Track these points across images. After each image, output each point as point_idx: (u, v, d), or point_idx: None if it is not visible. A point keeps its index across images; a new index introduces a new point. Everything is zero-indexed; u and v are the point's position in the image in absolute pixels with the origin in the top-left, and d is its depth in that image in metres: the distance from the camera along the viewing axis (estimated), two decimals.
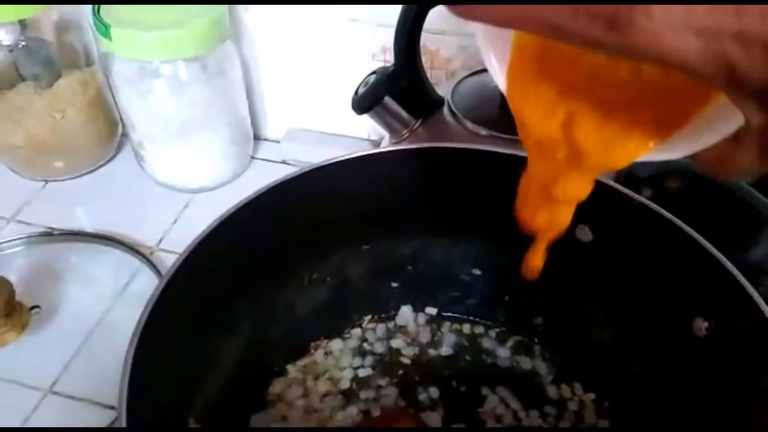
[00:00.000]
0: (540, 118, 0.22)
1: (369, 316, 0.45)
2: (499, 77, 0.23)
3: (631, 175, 0.35)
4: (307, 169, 0.36)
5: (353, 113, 0.48)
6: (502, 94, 0.46)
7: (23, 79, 0.59)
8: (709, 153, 0.19)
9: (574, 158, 0.22)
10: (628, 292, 0.36)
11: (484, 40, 0.22)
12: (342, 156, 0.36)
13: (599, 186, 0.34)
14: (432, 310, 0.46)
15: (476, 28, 0.21)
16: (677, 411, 0.34)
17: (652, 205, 0.33)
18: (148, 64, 0.54)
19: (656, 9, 0.14)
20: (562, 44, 0.17)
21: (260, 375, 0.41)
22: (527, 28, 0.16)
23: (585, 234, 0.36)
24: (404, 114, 0.45)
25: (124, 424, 0.26)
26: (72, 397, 0.46)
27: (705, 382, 0.32)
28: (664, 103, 0.20)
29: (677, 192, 0.35)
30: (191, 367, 0.34)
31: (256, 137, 0.67)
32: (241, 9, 0.60)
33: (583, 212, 0.36)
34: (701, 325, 0.31)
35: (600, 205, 0.34)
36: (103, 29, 0.52)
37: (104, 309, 0.52)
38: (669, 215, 0.32)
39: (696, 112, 0.19)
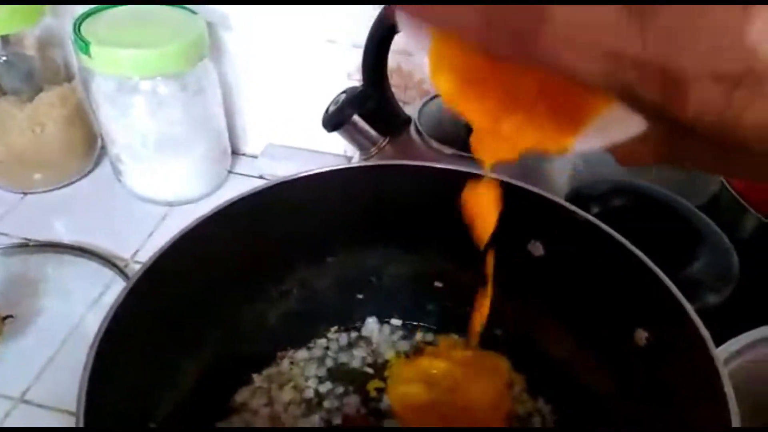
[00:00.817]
0: (471, 112, 0.23)
1: (335, 327, 0.47)
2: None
3: (580, 193, 0.37)
4: (273, 183, 0.37)
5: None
6: None
7: (4, 92, 0.60)
8: (621, 146, 0.20)
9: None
10: (577, 303, 0.37)
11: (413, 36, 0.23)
12: (306, 171, 0.38)
13: (549, 203, 0.36)
14: (396, 322, 0.47)
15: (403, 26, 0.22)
16: (623, 416, 0.35)
17: (597, 221, 0.34)
18: (127, 81, 0.56)
19: (558, 30, 0.15)
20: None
21: (226, 383, 0.42)
22: (440, 27, 0.17)
23: (537, 249, 0.38)
24: (372, 132, 0.47)
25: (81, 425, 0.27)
26: (42, 406, 0.47)
27: (647, 389, 0.33)
28: (570, 105, 0.20)
29: (623, 209, 0.37)
30: (155, 374, 0.35)
31: (234, 152, 0.69)
32: (221, 28, 0.62)
33: (535, 228, 0.38)
34: (642, 335, 0.33)
35: (550, 222, 0.37)
36: (84, 46, 0.53)
37: (78, 319, 0.53)
38: (612, 231, 0.34)
39: (596, 114, 0.20)
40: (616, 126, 0.20)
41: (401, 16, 0.19)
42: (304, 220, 0.39)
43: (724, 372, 0.28)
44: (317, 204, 0.39)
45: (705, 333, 0.29)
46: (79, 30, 0.54)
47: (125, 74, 0.55)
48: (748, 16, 0.13)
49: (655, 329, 0.32)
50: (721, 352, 0.30)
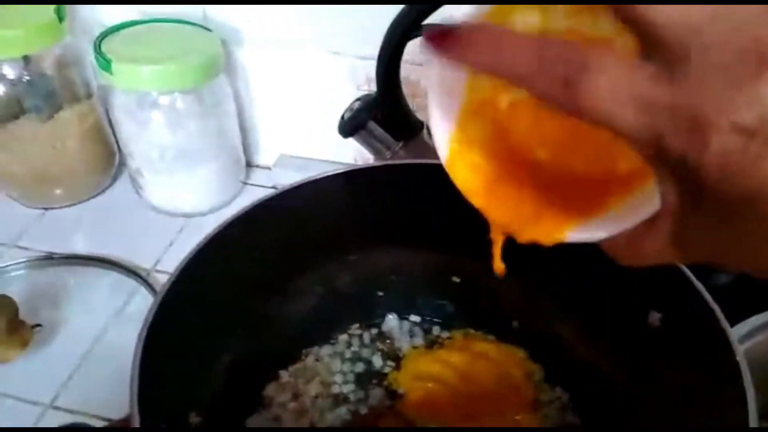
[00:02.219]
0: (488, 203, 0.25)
1: (356, 324, 0.48)
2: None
3: None
4: (292, 186, 0.39)
5: (340, 140, 0.52)
6: None
7: (24, 111, 0.62)
8: (621, 238, 0.22)
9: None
10: (590, 292, 0.39)
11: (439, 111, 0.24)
12: (326, 172, 0.40)
13: None
14: (416, 318, 0.49)
15: (431, 89, 0.24)
16: (639, 398, 0.37)
17: None
18: (146, 96, 0.58)
19: (601, 79, 0.17)
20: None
21: (255, 379, 0.43)
22: (497, 72, 0.19)
23: None
24: (387, 137, 0.49)
25: (136, 420, 0.28)
26: (71, 411, 0.48)
27: (662, 370, 0.35)
28: (585, 193, 0.22)
29: None
30: (190, 374, 0.36)
31: (248, 164, 0.71)
32: (234, 45, 0.64)
33: None
34: (655, 317, 0.34)
35: None
36: (105, 64, 0.55)
37: (103, 328, 0.54)
38: None
39: (612, 204, 0.22)
40: (628, 213, 0.21)
41: (442, 58, 0.20)
42: (325, 220, 0.41)
43: (737, 345, 0.29)
44: (337, 204, 0.41)
45: (716, 308, 0.31)
46: (99, 48, 0.56)
47: (145, 89, 0.57)
48: (762, 75, 0.15)
49: (667, 310, 0.34)
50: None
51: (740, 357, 0.29)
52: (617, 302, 0.37)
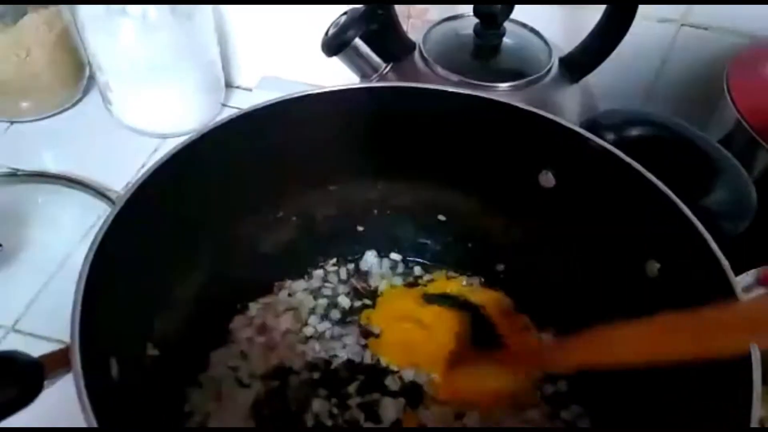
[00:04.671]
0: None
1: (333, 260, 0.45)
2: None
3: (595, 122, 0.35)
4: (274, 101, 0.35)
5: (328, 63, 0.47)
6: (473, 41, 0.46)
7: None
8: None
9: None
10: (587, 236, 0.36)
11: None
12: (310, 90, 0.36)
13: (563, 130, 0.34)
14: (396, 256, 0.46)
15: None
16: None
17: (614, 149, 0.33)
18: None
19: None
20: None
21: (222, 311, 0.41)
22: None
23: (548, 180, 0.36)
24: (374, 57, 0.45)
25: (76, 351, 0.26)
26: (34, 335, 0.46)
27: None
28: None
29: (638, 140, 0.35)
30: (149, 298, 0.33)
31: (229, 85, 0.66)
32: None
33: (547, 156, 0.36)
34: (654, 267, 0.32)
35: (564, 150, 0.35)
36: None
37: (68, 250, 0.51)
38: (629, 160, 0.32)
39: None
40: None
41: None
42: (306, 143, 0.38)
43: (742, 297, 0.27)
44: (320, 126, 0.37)
45: (721, 257, 0.28)
46: None
47: None
48: None
49: (668, 259, 0.31)
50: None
51: None
52: (613, 249, 0.34)
